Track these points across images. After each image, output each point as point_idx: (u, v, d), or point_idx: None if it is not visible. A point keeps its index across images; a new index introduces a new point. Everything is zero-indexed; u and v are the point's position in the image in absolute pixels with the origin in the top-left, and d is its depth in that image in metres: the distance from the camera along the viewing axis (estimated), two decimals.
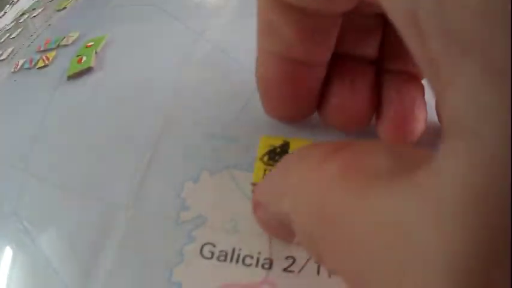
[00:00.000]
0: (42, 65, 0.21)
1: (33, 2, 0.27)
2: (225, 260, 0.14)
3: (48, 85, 0.20)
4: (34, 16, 0.24)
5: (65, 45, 0.21)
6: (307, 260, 0.14)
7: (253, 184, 0.14)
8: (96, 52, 0.20)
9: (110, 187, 0.16)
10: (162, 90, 0.18)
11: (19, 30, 0.24)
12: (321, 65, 0.13)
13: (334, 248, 0.08)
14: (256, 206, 0.12)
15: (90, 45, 0.20)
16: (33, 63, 0.21)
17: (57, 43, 0.21)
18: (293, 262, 0.14)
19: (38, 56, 0.21)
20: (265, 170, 0.15)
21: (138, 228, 0.15)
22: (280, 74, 0.13)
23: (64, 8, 0.24)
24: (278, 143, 0.15)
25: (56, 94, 0.19)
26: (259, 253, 0.14)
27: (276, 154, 0.15)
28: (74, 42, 0.21)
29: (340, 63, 0.14)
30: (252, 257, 0.14)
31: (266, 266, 0.14)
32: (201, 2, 0.22)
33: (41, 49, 0.22)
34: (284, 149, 0.15)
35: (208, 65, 0.18)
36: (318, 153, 0.09)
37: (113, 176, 0.16)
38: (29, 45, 0.22)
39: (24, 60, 0.21)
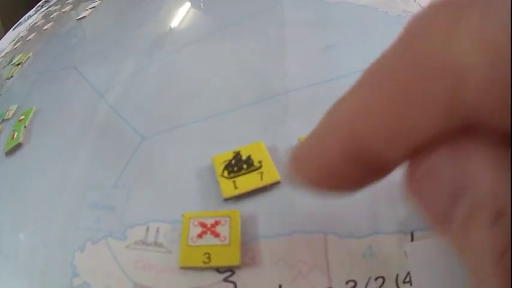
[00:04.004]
0: None
1: None
2: None
3: None
4: None
5: (8, 119, 0.24)
6: None
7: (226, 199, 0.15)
8: (25, 126, 0.23)
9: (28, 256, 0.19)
10: (68, 161, 0.20)
11: None
12: None
13: None
14: None
15: (21, 120, 0.23)
16: None
17: (2, 117, 0.25)
18: None
19: None
20: (234, 182, 0.15)
21: None
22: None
23: (11, 76, 0.27)
24: (229, 156, 0.16)
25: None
26: None
27: (232, 166, 0.16)
28: (13, 115, 0.24)
29: None
30: None
31: None
32: (108, 58, 0.23)
33: None
34: (238, 158, 0.16)
35: (102, 130, 0.20)
36: None
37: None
38: None
39: None
